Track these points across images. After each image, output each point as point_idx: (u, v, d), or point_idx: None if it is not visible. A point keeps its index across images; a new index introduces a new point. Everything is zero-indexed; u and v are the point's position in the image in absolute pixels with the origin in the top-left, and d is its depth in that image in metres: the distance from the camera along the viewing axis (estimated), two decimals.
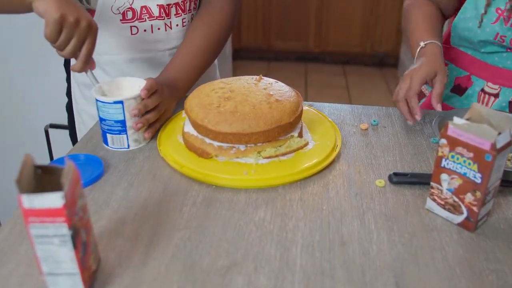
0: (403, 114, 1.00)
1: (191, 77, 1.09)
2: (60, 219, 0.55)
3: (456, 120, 0.69)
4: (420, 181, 0.83)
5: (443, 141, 0.72)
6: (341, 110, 1.10)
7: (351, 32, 3.81)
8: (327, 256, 0.68)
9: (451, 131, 0.70)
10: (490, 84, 1.13)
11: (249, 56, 4.06)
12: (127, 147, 0.93)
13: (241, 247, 0.70)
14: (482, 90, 1.14)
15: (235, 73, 3.73)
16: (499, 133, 0.66)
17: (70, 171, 0.57)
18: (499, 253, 0.69)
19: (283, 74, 3.85)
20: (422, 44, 1.06)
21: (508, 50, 1.07)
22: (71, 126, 1.23)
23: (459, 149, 0.70)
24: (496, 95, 1.12)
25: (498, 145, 0.66)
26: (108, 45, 1.08)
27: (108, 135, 0.92)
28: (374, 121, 1.03)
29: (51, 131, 1.78)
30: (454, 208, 0.74)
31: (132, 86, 0.93)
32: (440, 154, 0.73)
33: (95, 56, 1.01)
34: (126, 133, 0.91)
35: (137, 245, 0.70)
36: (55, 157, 1.85)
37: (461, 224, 0.74)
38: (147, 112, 0.92)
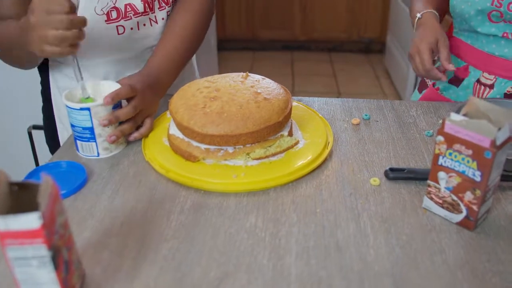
0: (436, 79, 1.07)
1: (175, 66, 1.04)
2: (38, 240, 0.51)
3: (454, 116, 0.66)
4: (417, 177, 0.81)
5: (440, 138, 0.69)
6: (331, 105, 1.06)
7: (337, 19, 3.77)
8: (323, 263, 0.65)
9: (448, 127, 0.67)
10: (486, 74, 1.11)
11: (234, 47, 4.01)
12: (96, 155, 0.88)
13: (232, 257, 0.66)
14: (478, 80, 1.12)
15: (220, 65, 3.68)
16: (499, 129, 0.63)
17: (47, 187, 0.53)
18: (501, 253, 0.67)
19: (269, 64, 3.81)
20: (418, 15, 1.12)
21: (505, 36, 1.05)
22: (48, 131, 1.18)
23: (457, 146, 0.67)
24: (491, 86, 1.10)
25: (498, 142, 0.64)
26: (95, 48, 1.03)
27: (78, 142, 0.88)
28: (366, 115, 1.00)
29: (35, 132, 1.72)
30: (452, 207, 0.71)
31: (109, 91, 0.87)
32: (437, 151, 0.70)
33: (82, 60, 0.97)
34: (95, 141, 0.86)
35: (124, 258, 0.66)
36: (39, 159, 1.80)
37: (461, 223, 0.71)
38: (122, 122, 0.88)
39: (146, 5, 1.02)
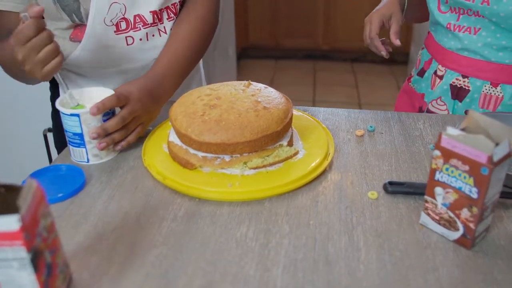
0: (376, 52, 1.16)
1: (180, 73, 1.04)
2: (18, 242, 0.52)
3: (450, 130, 0.64)
4: (417, 191, 0.79)
5: (437, 152, 0.67)
6: (337, 115, 1.05)
7: (360, 29, 3.68)
8: (310, 277, 0.64)
9: (445, 142, 0.65)
10: (440, 66, 1.15)
11: (257, 55, 4.01)
12: (86, 161, 0.89)
13: (219, 266, 0.66)
14: (435, 72, 1.17)
15: (241, 73, 3.70)
16: (497, 145, 0.61)
17: (29, 191, 0.54)
18: (497, 274, 0.64)
19: (291, 73, 3.80)
20: None
21: (448, 28, 1.09)
22: (57, 136, 1.20)
23: (454, 161, 0.65)
24: (441, 77, 1.14)
25: (496, 158, 0.61)
26: (104, 58, 1.04)
27: (70, 147, 0.89)
28: (371, 126, 0.99)
29: (50, 135, 1.76)
30: (449, 224, 0.69)
31: (100, 97, 0.87)
32: (434, 166, 0.68)
33: (87, 70, 0.98)
34: (85, 147, 0.87)
35: (112, 263, 0.67)
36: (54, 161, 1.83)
37: (458, 241, 0.69)
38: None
39: (155, 16, 1.03)
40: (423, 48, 1.24)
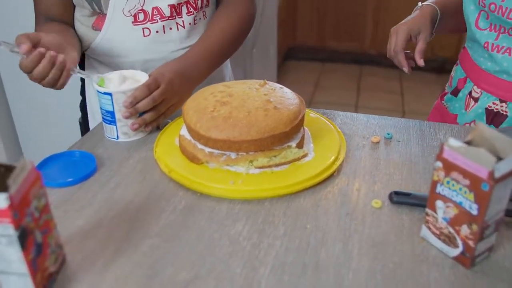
0: (398, 66, 1.09)
1: (209, 66, 1.08)
2: (6, 220, 0.54)
3: (452, 141, 0.62)
4: (423, 203, 0.75)
5: (439, 164, 0.64)
6: (355, 120, 1.03)
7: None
8: (295, 281, 0.63)
9: (447, 153, 0.63)
10: (475, 87, 1.07)
11: (303, 56, 3.99)
12: (116, 137, 0.94)
13: (208, 262, 0.66)
14: (470, 93, 1.09)
15: (286, 73, 3.69)
16: (499, 160, 0.58)
17: (22, 172, 0.56)
18: None
19: (336, 76, 3.75)
20: (419, 4, 1.13)
21: (486, 48, 1.02)
22: (84, 125, 1.24)
23: (455, 174, 0.62)
24: (476, 100, 1.07)
25: (497, 174, 0.58)
26: (121, 48, 1.08)
27: (103, 123, 0.95)
28: (388, 134, 0.96)
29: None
30: (449, 240, 0.66)
31: (135, 80, 0.94)
32: (435, 178, 0.65)
33: (107, 59, 1.05)
34: (116, 125, 0.92)
35: (106, 249, 0.68)
36: None
37: (457, 259, 0.66)
38: (145, 112, 0.91)
39: (173, 9, 1.05)
40: (457, 64, 1.16)
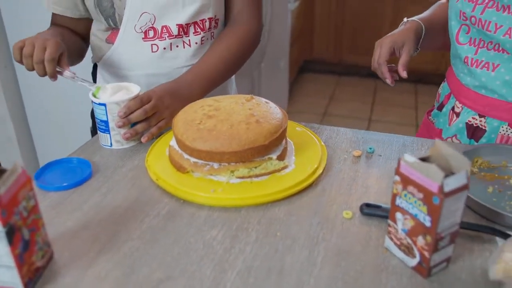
0: (382, 78, 1.11)
1: (210, 84, 1.14)
2: None
3: (407, 157, 0.66)
4: None
5: (397, 178, 0.68)
6: (341, 134, 1.07)
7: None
8: (260, 284, 0.67)
9: (403, 168, 0.67)
10: (457, 102, 1.11)
11: (319, 69, 4.04)
12: (110, 145, 1.01)
13: (181, 263, 0.71)
14: (452, 108, 1.13)
15: (301, 86, 3.74)
16: (447, 175, 0.61)
17: (12, 175, 0.63)
18: None
19: (351, 89, 3.79)
20: (405, 20, 1.16)
21: (465, 63, 1.06)
22: (94, 133, 1.32)
23: (411, 188, 0.66)
24: (457, 114, 1.11)
25: (447, 189, 0.62)
26: (130, 61, 1.16)
27: (98, 132, 1.02)
28: (370, 148, 1.00)
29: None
30: (408, 250, 0.70)
31: (129, 91, 1.01)
32: (395, 191, 0.69)
33: (116, 71, 1.14)
34: (109, 133, 1.00)
35: (91, 249, 0.74)
36: None
37: (415, 269, 0.69)
38: (136, 122, 0.98)
39: (181, 29, 1.12)
40: (444, 81, 1.20)
